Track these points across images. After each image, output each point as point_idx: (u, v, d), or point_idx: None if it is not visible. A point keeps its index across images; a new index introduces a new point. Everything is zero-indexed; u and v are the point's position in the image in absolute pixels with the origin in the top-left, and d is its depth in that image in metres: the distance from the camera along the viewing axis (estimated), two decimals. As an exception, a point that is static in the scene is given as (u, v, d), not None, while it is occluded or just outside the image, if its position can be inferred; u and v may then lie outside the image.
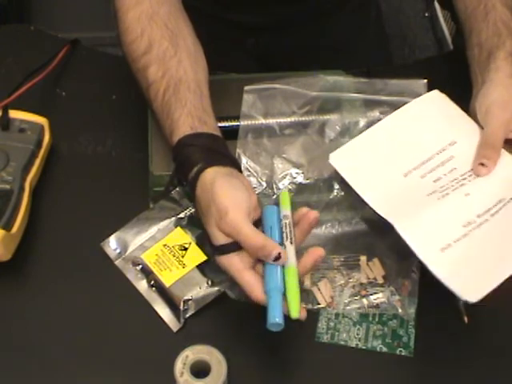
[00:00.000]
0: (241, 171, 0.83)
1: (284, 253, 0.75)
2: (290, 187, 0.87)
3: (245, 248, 0.75)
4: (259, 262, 0.77)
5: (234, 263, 0.76)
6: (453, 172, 0.84)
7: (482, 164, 0.82)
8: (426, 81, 0.90)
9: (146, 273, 0.85)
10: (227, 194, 0.76)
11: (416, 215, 0.80)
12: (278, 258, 0.74)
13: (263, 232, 0.78)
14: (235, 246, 0.76)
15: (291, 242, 0.77)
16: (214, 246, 0.77)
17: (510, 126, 0.83)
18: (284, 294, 0.74)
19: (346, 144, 0.88)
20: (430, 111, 0.89)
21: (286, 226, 0.78)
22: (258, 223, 0.78)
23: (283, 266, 0.75)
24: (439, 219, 0.80)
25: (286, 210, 0.79)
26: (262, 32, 1.17)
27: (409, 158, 0.86)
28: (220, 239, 0.76)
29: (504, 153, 0.84)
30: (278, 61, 1.19)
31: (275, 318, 0.73)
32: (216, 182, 0.77)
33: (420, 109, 0.90)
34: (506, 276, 0.77)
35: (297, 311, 0.73)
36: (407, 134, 0.88)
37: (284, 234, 0.78)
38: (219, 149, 0.82)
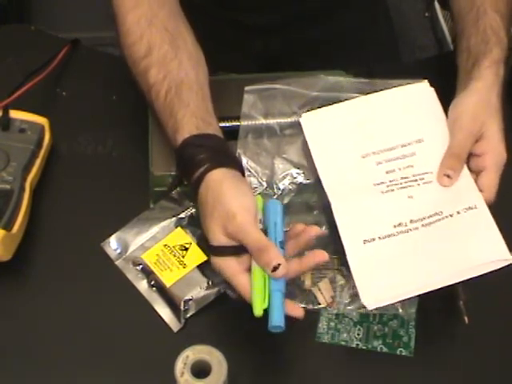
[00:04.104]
0: (244, 174, 0.83)
1: (284, 266, 0.73)
2: (291, 187, 0.87)
3: (250, 251, 0.75)
4: None
5: (231, 266, 0.76)
6: (408, 169, 0.84)
7: (447, 175, 0.82)
8: (426, 81, 0.90)
9: (147, 273, 0.85)
10: (235, 196, 0.76)
11: (355, 201, 0.81)
12: (276, 267, 0.73)
13: (266, 226, 0.77)
14: (234, 250, 0.76)
15: None
16: (211, 246, 0.77)
17: (476, 138, 0.82)
18: (284, 295, 0.74)
19: (322, 108, 0.89)
20: (411, 102, 0.89)
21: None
22: None
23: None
24: (375, 212, 0.81)
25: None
26: (271, 33, 1.16)
27: (373, 141, 0.86)
28: (221, 240, 0.76)
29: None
30: (283, 62, 1.18)
31: (277, 322, 0.73)
32: (223, 184, 0.77)
33: (403, 97, 0.89)
34: (410, 295, 0.77)
35: (260, 310, 0.73)
36: (381, 118, 0.88)
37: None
38: (226, 151, 0.82)
